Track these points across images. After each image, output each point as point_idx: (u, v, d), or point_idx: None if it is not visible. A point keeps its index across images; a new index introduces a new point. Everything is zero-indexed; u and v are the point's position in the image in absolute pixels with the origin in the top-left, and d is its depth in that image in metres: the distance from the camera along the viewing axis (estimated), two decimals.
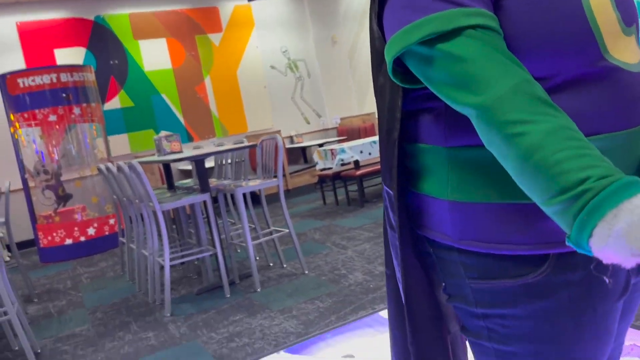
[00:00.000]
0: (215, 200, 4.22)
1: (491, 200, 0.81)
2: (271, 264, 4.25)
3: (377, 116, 0.99)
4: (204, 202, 3.65)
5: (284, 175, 7.70)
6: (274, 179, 3.84)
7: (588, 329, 0.83)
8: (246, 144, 3.95)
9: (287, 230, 3.91)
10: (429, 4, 0.78)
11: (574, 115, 0.76)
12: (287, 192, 7.66)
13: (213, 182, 4.45)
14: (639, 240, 0.59)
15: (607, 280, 0.82)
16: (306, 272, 3.89)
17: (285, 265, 4.14)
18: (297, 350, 2.62)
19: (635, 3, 0.97)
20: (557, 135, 0.67)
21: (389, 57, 0.82)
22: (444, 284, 0.94)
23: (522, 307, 0.82)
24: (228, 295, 3.62)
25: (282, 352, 2.63)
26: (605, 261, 0.62)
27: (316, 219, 5.90)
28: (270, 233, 4.13)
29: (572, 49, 0.77)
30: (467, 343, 1.18)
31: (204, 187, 3.68)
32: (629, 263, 0.61)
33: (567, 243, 0.65)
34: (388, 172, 0.93)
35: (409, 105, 0.91)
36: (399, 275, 1.00)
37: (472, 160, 0.83)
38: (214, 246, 3.70)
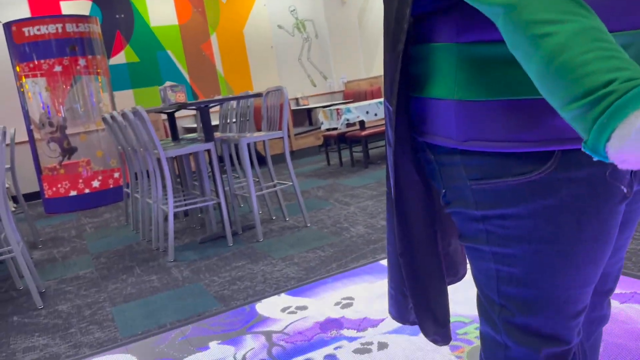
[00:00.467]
0: (220, 160, 4.23)
1: (498, 97, 0.81)
2: (274, 217, 4.29)
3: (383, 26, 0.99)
4: (208, 152, 3.67)
5: (289, 137, 7.70)
6: (279, 132, 3.84)
7: (590, 229, 0.83)
8: (252, 93, 3.94)
9: (291, 183, 3.93)
10: None
11: (598, 11, 0.75)
12: (292, 154, 7.67)
13: (218, 134, 4.46)
14: None
15: (624, 190, 0.82)
16: (308, 225, 3.93)
17: (288, 219, 4.18)
18: (298, 293, 2.67)
19: None
20: (586, 35, 0.65)
21: None
22: (444, 191, 0.95)
23: (523, 205, 0.83)
24: (231, 244, 3.66)
25: (283, 295, 2.68)
26: (620, 165, 0.61)
27: (320, 178, 5.92)
28: (274, 186, 4.16)
29: None
30: (465, 256, 1.20)
31: (209, 136, 3.69)
32: None
33: (583, 149, 0.64)
34: (389, 87, 0.93)
35: (419, 9, 0.90)
36: (391, 183, 1.01)
37: (482, 57, 0.82)
38: (217, 197, 3.73)
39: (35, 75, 5.59)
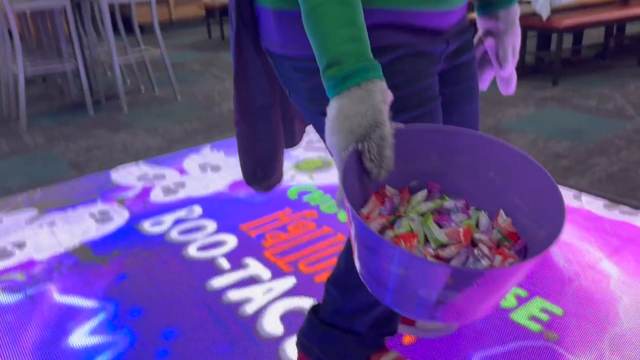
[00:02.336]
0: (81, 15, 3.91)
1: None
2: (143, 89, 4.16)
3: None
4: (66, 9, 3.38)
5: (168, 3, 7.24)
6: None
7: (422, 93, 0.94)
8: None
9: (159, 52, 3.78)
10: None
11: None
12: (171, 23, 7.27)
13: None
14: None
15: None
16: (179, 98, 3.87)
17: (157, 91, 4.07)
18: (158, 163, 2.70)
19: None
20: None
21: None
22: (286, 90, 1.03)
23: None
24: (91, 113, 3.53)
25: (141, 164, 2.69)
26: None
27: (198, 51, 5.73)
28: (141, 52, 3.97)
29: None
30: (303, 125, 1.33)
31: None
32: None
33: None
34: None
35: None
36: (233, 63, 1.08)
37: None
38: (74, 61, 3.51)
39: None
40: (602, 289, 1.52)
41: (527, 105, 3.24)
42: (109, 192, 2.39)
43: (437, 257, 0.70)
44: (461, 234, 0.73)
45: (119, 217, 2.15)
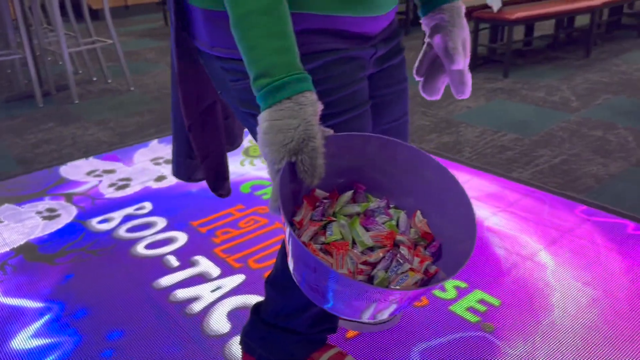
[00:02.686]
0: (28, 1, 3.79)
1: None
2: (95, 79, 4.07)
3: None
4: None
5: None
6: None
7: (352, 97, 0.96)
8: None
9: (112, 42, 3.71)
10: None
11: None
12: (126, 9, 7.11)
13: None
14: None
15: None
16: (132, 88, 3.80)
17: (110, 81, 4.00)
18: (108, 158, 2.67)
19: None
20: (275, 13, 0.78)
21: None
22: (219, 91, 1.04)
23: None
24: (41, 105, 3.45)
25: (91, 159, 2.66)
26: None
27: (154, 39, 5.63)
28: (93, 42, 3.89)
29: None
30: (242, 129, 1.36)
31: None
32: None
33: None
34: None
35: None
36: (174, 67, 1.09)
37: None
38: (22, 51, 3.42)
39: None
40: (539, 280, 1.59)
41: (478, 97, 3.32)
42: (57, 188, 2.35)
43: (366, 262, 0.77)
44: (385, 236, 0.80)
45: (67, 214, 2.12)
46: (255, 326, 1.26)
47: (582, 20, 4.75)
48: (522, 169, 2.30)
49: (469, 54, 1.10)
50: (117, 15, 3.68)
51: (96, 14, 6.14)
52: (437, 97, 1.15)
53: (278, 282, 1.19)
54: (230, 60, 0.92)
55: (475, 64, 3.93)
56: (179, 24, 1.00)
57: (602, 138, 2.59)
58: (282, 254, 1.17)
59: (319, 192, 0.84)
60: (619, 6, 4.68)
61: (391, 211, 0.86)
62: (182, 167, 1.27)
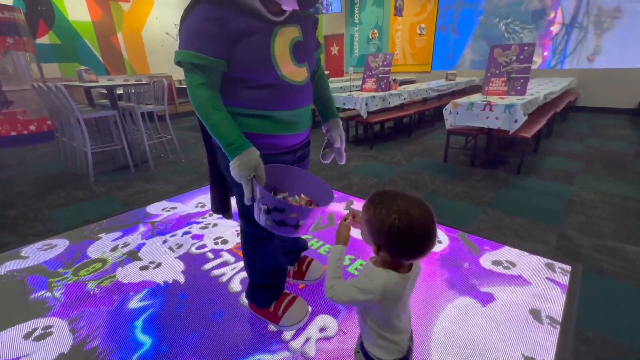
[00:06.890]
0: (124, 116, 3.85)
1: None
2: (162, 155, 4.14)
3: None
4: (115, 115, 3.36)
5: (175, 103, 7.12)
6: (162, 105, 3.67)
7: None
8: (142, 82, 3.64)
9: (171, 137, 3.81)
10: (195, 44, 0.92)
11: (264, 99, 1.00)
12: (177, 115, 7.13)
13: (122, 104, 4.04)
14: (242, 170, 0.89)
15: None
16: (183, 160, 3.90)
17: (170, 157, 4.07)
18: (172, 200, 2.77)
19: (316, 55, 1.09)
20: (224, 120, 0.91)
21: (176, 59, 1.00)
22: (227, 175, 1.12)
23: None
24: (133, 172, 3.51)
25: (164, 201, 2.76)
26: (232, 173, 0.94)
27: (194, 131, 5.69)
28: (160, 138, 3.98)
29: (264, 71, 1.01)
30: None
31: (114, 106, 3.38)
32: (240, 180, 0.96)
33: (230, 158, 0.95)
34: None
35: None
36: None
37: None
38: (122, 143, 3.49)
39: None
40: None
41: (358, 160, 3.60)
42: (146, 219, 2.45)
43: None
44: (299, 202, 1.00)
45: (152, 233, 2.22)
46: (249, 287, 1.31)
47: (407, 119, 5.14)
48: None
49: (344, 141, 1.18)
50: (171, 119, 3.75)
51: (161, 118, 6.14)
52: (328, 162, 1.25)
53: (248, 265, 1.22)
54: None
55: (356, 143, 4.24)
56: (203, 130, 1.12)
57: (415, 180, 2.92)
58: (246, 250, 1.21)
59: (280, 194, 1.04)
60: (423, 112, 5.14)
61: (295, 197, 1.03)
62: (214, 206, 1.29)
